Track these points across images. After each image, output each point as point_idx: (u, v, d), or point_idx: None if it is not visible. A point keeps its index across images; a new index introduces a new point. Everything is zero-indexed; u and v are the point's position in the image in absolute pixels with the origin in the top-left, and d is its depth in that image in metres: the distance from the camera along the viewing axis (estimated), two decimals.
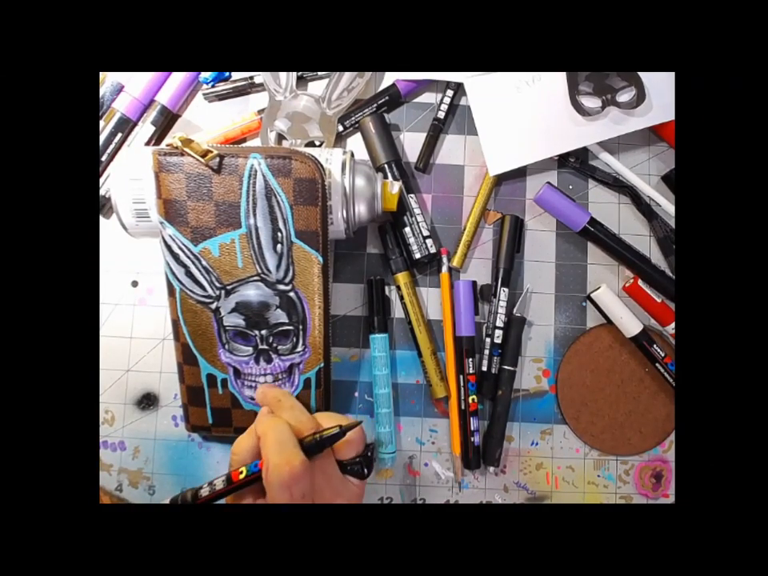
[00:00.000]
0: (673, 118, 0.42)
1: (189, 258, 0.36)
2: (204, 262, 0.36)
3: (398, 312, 0.44)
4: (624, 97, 0.42)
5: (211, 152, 0.34)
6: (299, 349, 0.38)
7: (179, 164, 0.35)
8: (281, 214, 0.35)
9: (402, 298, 0.43)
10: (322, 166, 0.35)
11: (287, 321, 0.37)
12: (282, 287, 0.37)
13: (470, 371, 0.42)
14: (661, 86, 0.42)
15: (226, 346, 0.38)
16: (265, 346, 0.38)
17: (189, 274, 0.37)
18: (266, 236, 0.36)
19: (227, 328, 0.37)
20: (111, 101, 0.44)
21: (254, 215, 0.35)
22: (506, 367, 0.42)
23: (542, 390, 0.44)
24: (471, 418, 0.42)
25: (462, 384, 0.42)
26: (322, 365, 0.39)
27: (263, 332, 0.38)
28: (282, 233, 0.36)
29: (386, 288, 0.44)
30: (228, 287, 0.37)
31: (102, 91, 0.44)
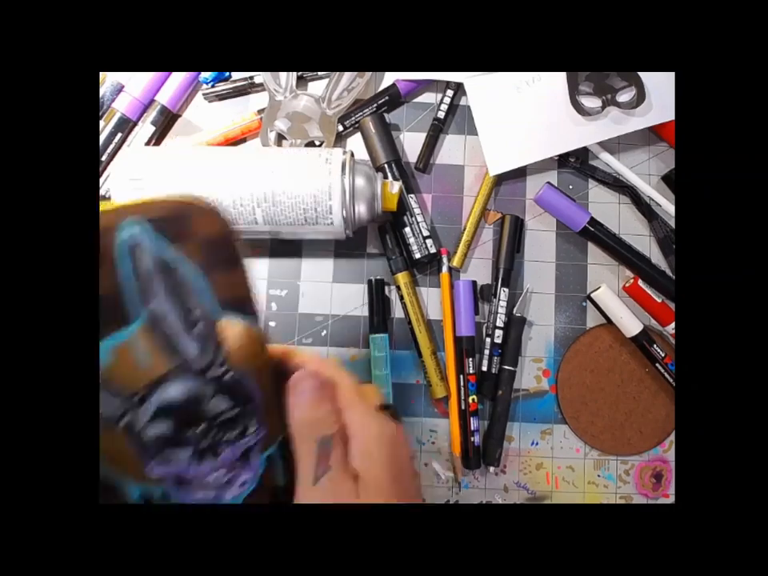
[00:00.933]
0: (673, 118, 0.42)
1: None
2: None
3: (398, 312, 0.44)
4: (624, 97, 0.42)
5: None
6: (251, 430, 0.31)
7: None
8: (191, 288, 0.27)
9: (401, 297, 0.43)
10: (225, 215, 0.28)
11: (229, 406, 0.30)
12: (213, 372, 0.29)
13: (470, 371, 0.42)
14: (661, 86, 0.42)
15: (156, 459, 0.30)
16: (207, 442, 0.30)
17: None
18: (176, 320, 0.28)
19: (151, 440, 0.29)
20: (111, 101, 0.44)
21: (151, 300, 0.27)
22: (506, 367, 0.43)
23: (542, 390, 0.44)
24: (471, 418, 0.42)
25: (462, 384, 0.42)
26: (282, 435, 0.32)
27: (201, 428, 0.30)
28: (197, 311, 0.28)
29: (386, 288, 0.44)
30: (139, 396, 0.28)
31: (102, 91, 0.44)
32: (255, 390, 0.30)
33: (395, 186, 0.40)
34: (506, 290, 0.43)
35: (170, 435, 0.29)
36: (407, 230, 0.42)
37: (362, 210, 0.39)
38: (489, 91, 0.43)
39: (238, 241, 0.27)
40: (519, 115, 0.43)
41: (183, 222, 0.26)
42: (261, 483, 0.32)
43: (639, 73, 0.42)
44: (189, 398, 0.28)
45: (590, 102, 0.42)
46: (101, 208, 0.25)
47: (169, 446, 0.29)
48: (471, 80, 0.43)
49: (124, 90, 0.44)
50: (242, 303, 0.29)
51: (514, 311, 0.43)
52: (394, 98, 0.45)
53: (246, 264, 0.28)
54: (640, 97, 0.42)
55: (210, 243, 0.27)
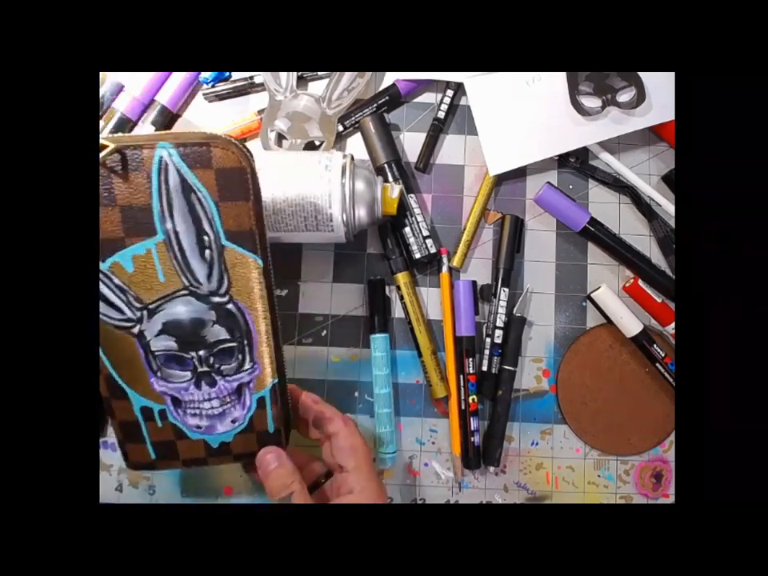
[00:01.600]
0: (673, 118, 0.42)
1: None
2: (116, 280, 0.30)
3: (398, 312, 0.44)
4: (624, 97, 0.42)
5: (106, 146, 0.28)
6: (246, 366, 0.33)
7: None
8: (204, 213, 0.29)
9: (401, 297, 0.43)
10: (249, 151, 0.30)
11: (228, 337, 0.32)
12: (217, 299, 0.31)
13: (470, 371, 0.42)
14: (661, 86, 0.42)
15: (158, 374, 0.32)
16: (205, 368, 0.32)
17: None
18: (190, 241, 0.30)
19: (156, 353, 0.32)
20: (111, 101, 0.44)
21: (172, 218, 0.29)
22: (506, 367, 0.42)
23: (542, 390, 0.44)
24: (471, 418, 0.42)
25: (462, 384, 0.42)
26: (276, 380, 0.34)
27: (201, 353, 0.32)
28: (209, 236, 0.30)
29: (386, 288, 0.44)
30: (151, 306, 0.31)
31: (102, 91, 0.44)
32: (253, 327, 0.32)
33: (395, 190, 0.40)
34: (506, 289, 0.43)
35: (173, 353, 0.32)
36: (407, 230, 0.42)
37: (362, 214, 0.39)
38: (489, 91, 0.43)
39: (252, 177, 0.30)
40: (519, 115, 0.43)
41: (204, 151, 0.29)
42: (250, 424, 0.34)
43: (639, 73, 0.42)
44: (193, 319, 0.31)
45: (590, 102, 0.42)
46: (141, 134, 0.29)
47: (171, 363, 0.32)
48: (471, 80, 0.43)
49: (124, 89, 0.44)
50: (246, 236, 0.30)
51: (514, 311, 0.43)
52: (394, 98, 0.45)
53: (256, 200, 0.30)
54: (640, 97, 0.42)
55: (224, 174, 0.29)
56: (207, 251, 0.30)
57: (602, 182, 0.45)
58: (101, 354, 0.32)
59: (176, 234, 0.30)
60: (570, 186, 0.45)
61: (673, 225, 0.44)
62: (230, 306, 0.31)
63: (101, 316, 0.31)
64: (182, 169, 0.29)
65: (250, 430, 0.34)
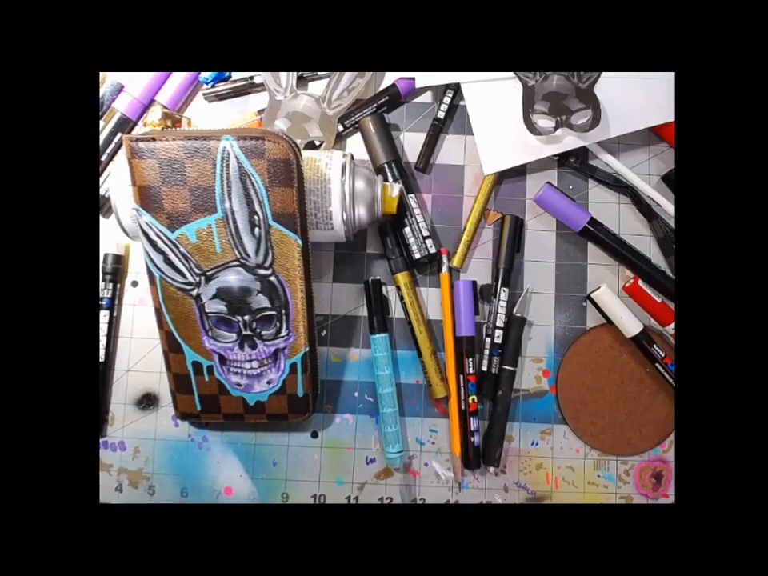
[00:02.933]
0: (672, 118, 0.42)
1: (166, 244, 0.36)
2: (182, 249, 0.36)
3: (397, 312, 0.44)
4: (579, 119, 0.41)
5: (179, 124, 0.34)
6: (283, 333, 0.38)
7: (152, 149, 0.34)
8: (256, 196, 0.35)
9: (401, 297, 0.43)
10: (296, 145, 0.35)
11: (269, 306, 0.37)
12: (262, 272, 0.36)
13: (470, 371, 0.42)
14: (660, 86, 0.42)
15: (210, 333, 0.38)
16: (248, 332, 0.38)
17: (167, 261, 0.36)
18: (243, 220, 0.35)
19: (209, 314, 0.37)
20: (111, 101, 0.44)
21: (230, 199, 0.35)
22: (505, 367, 0.42)
23: (542, 390, 0.44)
24: (471, 418, 0.42)
25: (461, 384, 0.42)
26: (308, 349, 0.39)
27: (246, 317, 0.37)
28: (258, 216, 0.35)
29: (385, 288, 0.44)
30: (208, 273, 0.36)
31: (102, 91, 0.44)
32: (291, 299, 0.37)
33: (395, 189, 0.40)
34: (506, 289, 0.43)
35: (223, 315, 0.37)
36: (407, 230, 0.42)
37: (361, 213, 0.39)
38: (485, 90, 0.43)
39: (297, 167, 0.35)
40: (515, 114, 0.43)
41: (260, 144, 0.34)
42: (283, 387, 0.40)
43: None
44: (241, 287, 0.37)
45: (544, 122, 0.41)
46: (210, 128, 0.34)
47: (221, 325, 0.38)
48: (467, 78, 0.43)
49: (124, 90, 0.44)
50: (289, 218, 0.35)
51: (514, 311, 0.43)
52: (394, 98, 0.45)
53: (299, 188, 0.35)
54: (595, 120, 0.41)
55: (274, 163, 0.34)
56: (257, 229, 0.35)
57: (601, 182, 0.45)
58: (164, 312, 0.37)
59: (232, 212, 0.35)
60: (570, 186, 0.45)
61: (673, 225, 0.44)
62: (272, 278, 0.37)
63: (167, 279, 0.37)
64: (241, 158, 0.34)
65: (282, 392, 0.39)
